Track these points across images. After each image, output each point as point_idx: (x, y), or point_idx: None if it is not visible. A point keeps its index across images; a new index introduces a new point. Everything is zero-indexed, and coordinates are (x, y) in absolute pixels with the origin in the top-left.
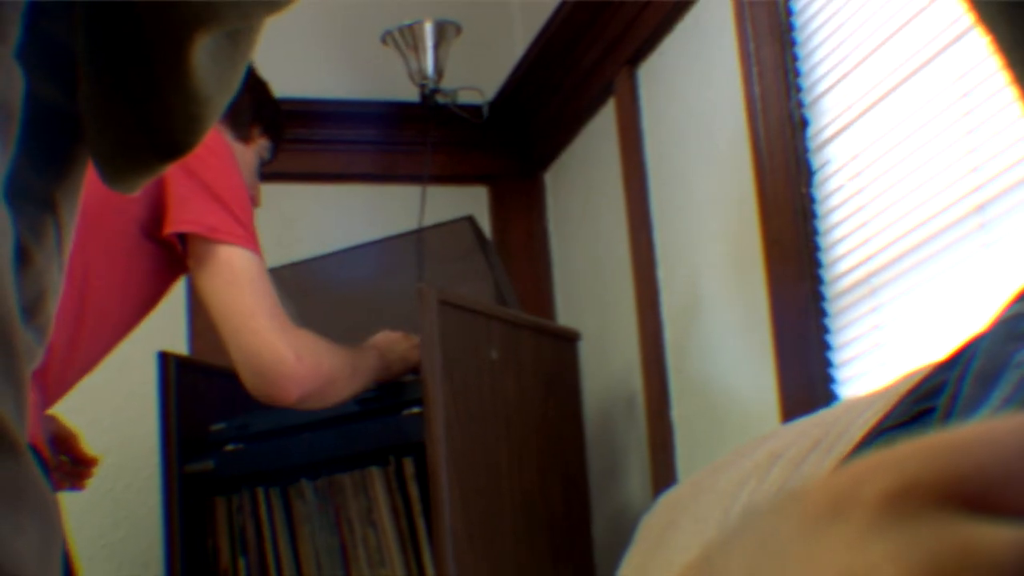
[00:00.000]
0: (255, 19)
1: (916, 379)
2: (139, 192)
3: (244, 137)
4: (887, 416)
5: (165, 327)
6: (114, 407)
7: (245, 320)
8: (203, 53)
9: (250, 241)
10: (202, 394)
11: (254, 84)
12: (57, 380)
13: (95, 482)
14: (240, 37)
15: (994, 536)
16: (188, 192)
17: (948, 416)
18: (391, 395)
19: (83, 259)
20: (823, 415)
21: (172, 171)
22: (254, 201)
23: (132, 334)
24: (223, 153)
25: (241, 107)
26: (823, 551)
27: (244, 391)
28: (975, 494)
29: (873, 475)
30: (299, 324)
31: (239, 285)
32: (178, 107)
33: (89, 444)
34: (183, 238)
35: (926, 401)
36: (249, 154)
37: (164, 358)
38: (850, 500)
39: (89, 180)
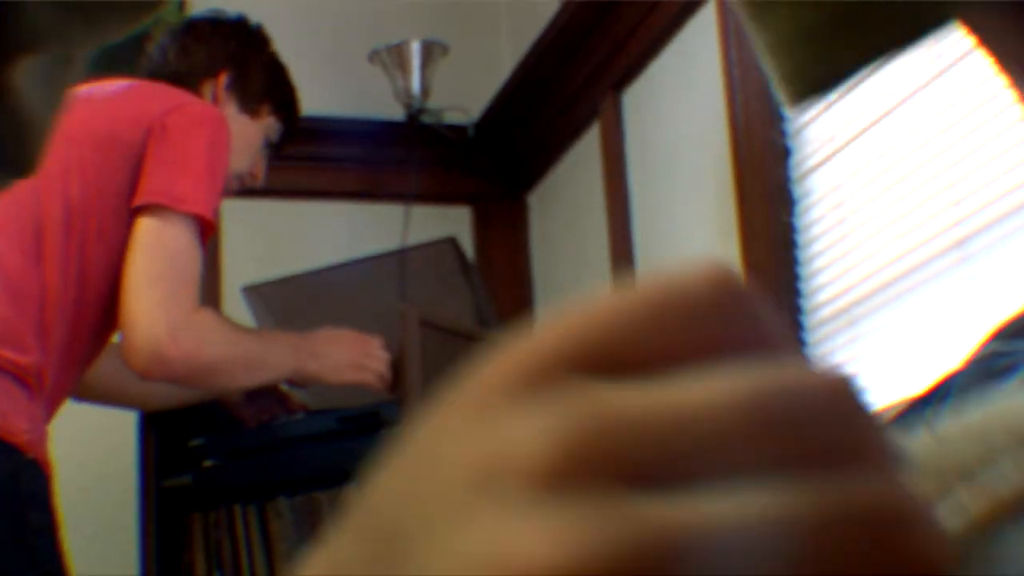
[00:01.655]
0: (79, 47)
1: (892, 414)
2: (129, 177)
3: (252, 111)
4: None
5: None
6: (92, 420)
7: (141, 284)
8: (28, 77)
9: (204, 210)
10: (181, 410)
11: (272, 65)
12: (57, 382)
13: (72, 494)
14: (72, 60)
15: (626, 399)
16: (158, 165)
17: None
18: (371, 414)
19: (81, 255)
20: None
21: (150, 146)
22: (255, 177)
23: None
24: (211, 127)
25: (253, 82)
26: (469, 439)
27: (223, 407)
28: (608, 356)
29: (509, 353)
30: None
31: (158, 250)
32: (8, 134)
33: (67, 457)
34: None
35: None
36: (253, 128)
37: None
38: (492, 382)
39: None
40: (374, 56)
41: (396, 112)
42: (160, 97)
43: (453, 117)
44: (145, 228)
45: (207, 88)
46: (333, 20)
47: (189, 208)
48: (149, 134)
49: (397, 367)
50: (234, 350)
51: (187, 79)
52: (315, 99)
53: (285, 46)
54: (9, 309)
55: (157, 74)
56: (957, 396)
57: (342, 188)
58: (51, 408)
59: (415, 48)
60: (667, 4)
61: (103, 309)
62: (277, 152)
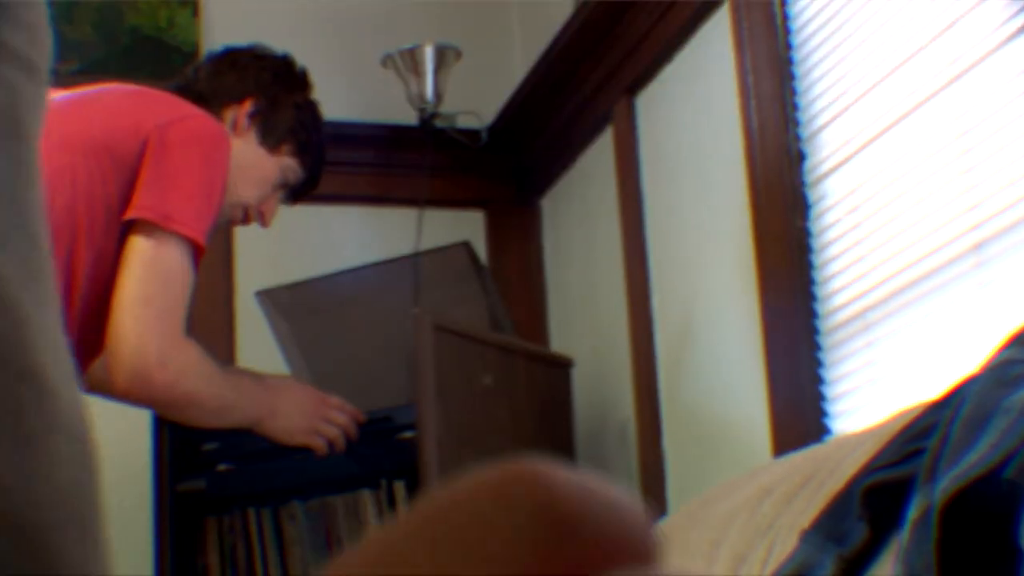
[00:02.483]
0: None
1: (907, 419)
2: (121, 186)
3: (271, 147)
4: (878, 455)
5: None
6: (106, 424)
7: (134, 303)
8: None
9: (195, 232)
10: None
11: (305, 108)
12: None
13: None
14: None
15: None
16: (152, 179)
17: (937, 458)
18: (384, 419)
19: (68, 264)
20: (815, 451)
21: (146, 158)
22: (263, 216)
23: None
24: (209, 143)
25: (280, 118)
26: None
27: None
28: None
29: None
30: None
31: (151, 271)
32: None
33: None
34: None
35: (916, 442)
36: (270, 165)
37: None
38: None
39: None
40: (387, 60)
41: (409, 116)
42: (161, 107)
43: (466, 121)
44: (141, 247)
45: (229, 113)
46: (346, 24)
47: (178, 228)
48: (146, 145)
49: (410, 371)
50: (210, 389)
51: (211, 100)
52: (328, 104)
53: (299, 51)
54: None
55: (182, 91)
56: (972, 402)
57: (355, 192)
58: None
59: (428, 52)
60: (681, 8)
61: (89, 317)
62: (293, 199)
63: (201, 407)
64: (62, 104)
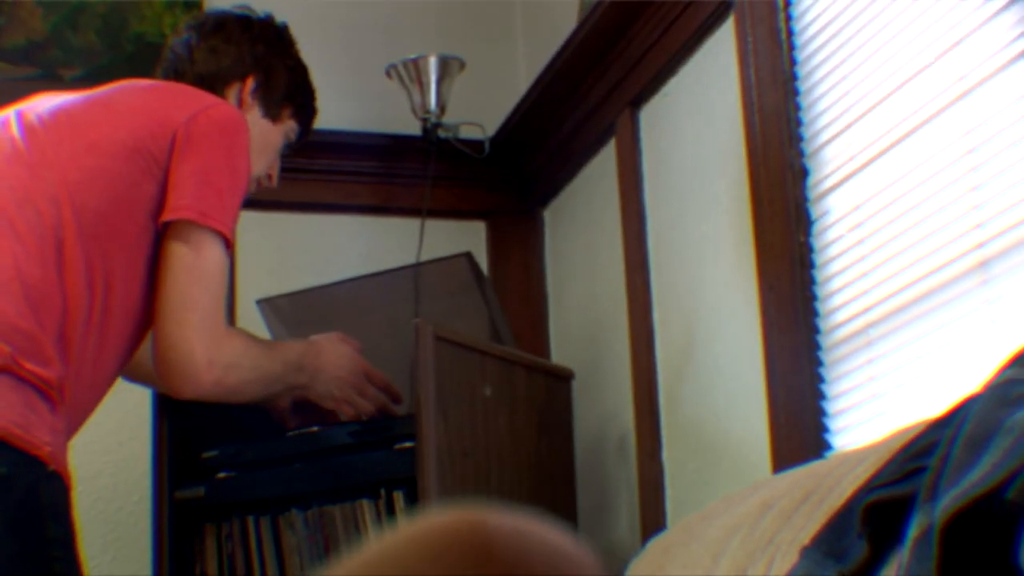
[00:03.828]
0: None
1: (909, 437)
2: (153, 186)
3: (274, 116)
4: (879, 472)
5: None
6: (107, 430)
7: (179, 308)
8: None
9: (227, 227)
10: (195, 420)
11: (296, 67)
12: (80, 395)
13: (86, 504)
14: None
15: None
16: (184, 177)
17: (938, 477)
18: (383, 428)
19: (105, 266)
20: (815, 467)
21: (175, 155)
22: (271, 179)
23: None
24: (232, 131)
25: (276, 86)
26: None
27: (238, 418)
28: None
29: None
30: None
31: (194, 273)
32: None
33: (81, 468)
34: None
35: (917, 460)
36: (275, 134)
37: None
38: None
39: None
40: (391, 70)
41: (412, 126)
42: (182, 102)
43: (469, 132)
44: (180, 251)
45: (232, 91)
46: (350, 34)
47: (215, 224)
48: (173, 144)
49: (410, 381)
50: (256, 373)
51: (214, 82)
52: (332, 113)
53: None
54: (31, 322)
55: (181, 73)
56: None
57: (358, 201)
58: (75, 421)
59: (432, 63)
60: (685, 22)
61: (130, 320)
62: (292, 152)
63: (249, 392)
64: (82, 106)
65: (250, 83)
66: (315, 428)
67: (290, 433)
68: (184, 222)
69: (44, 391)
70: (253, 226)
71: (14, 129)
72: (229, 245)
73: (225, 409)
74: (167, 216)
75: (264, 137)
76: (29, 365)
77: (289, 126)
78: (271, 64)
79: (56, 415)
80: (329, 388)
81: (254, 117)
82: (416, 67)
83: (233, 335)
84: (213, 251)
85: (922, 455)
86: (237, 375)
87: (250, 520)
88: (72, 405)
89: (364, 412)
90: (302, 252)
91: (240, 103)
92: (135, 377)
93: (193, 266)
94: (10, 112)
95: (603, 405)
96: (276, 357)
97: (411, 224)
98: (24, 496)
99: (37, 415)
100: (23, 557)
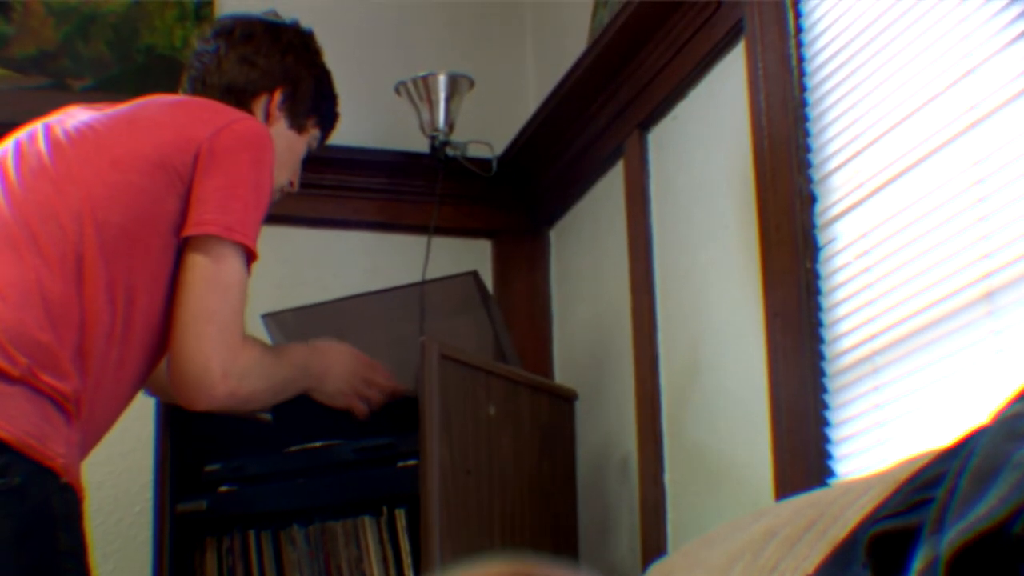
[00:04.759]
0: None
1: (915, 467)
2: (176, 202)
3: (300, 127)
4: (884, 503)
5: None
6: (109, 440)
7: (196, 320)
8: None
9: (250, 240)
10: (198, 433)
11: (320, 75)
12: (98, 408)
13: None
14: None
15: None
16: (209, 192)
17: (944, 509)
18: (387, 446)
19: (127, 280)
20: (819, 495)
21: (199, 170)
22: (292, 187)
23: None
24: (257, 146)
25: (303, 98)
26: None
27: (240, 432)
28: None
29: None
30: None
31: (212, 285)
32: None
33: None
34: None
35: (924, 491)
36: (300, 144)
37: None
38: None
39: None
40: (400, 88)
41: (420, 144)
42: (207, 117)
43: (477, 151)
44: (200, 262)
45: (260, 104)
46: (360, 50)
47: (238, 238)
48: (197, 159)
49: (416, 400)
50: (269, 382)
51: (242, 94)
52: (340, 129)
53: None
54: (50, 335)
55: (209, 84)
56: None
57: (365, 218)
58: (92, 435)
59: (441, 81)
60: (696, 46)
61: (152, 335)
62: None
63: (261, 400)
64: (107, 122)
65: (278, 96)
66: (318, 444)
67: (291, 449)
68: (207, 236)
69: (60, 403)
70: (261, 240)
71: (41, 143)
72: (252, 259)
73: (227, 421)
74: (190, 231)
75: (290, 149)
76: (46, 377)
77: (312, 135)
78: (299, 76)
79: (71, 428)
80: (338, 387)
81: (280, 129)
82: (425, 84)
83: (248, 346)
84: (234, 263)
85: (928, 486)
86: (250, 385)
87: (251, 534)
88: (89, 419)
89: (375, 404)
90: (308, 267)
91: (267, 116)
92: (151, 389)
93: (213, 278)
94: (38, 125)
95: (606, 426)
96: (286, 363)
97: (417, 241)
98: (37, 507)
99: (52, 427)
100: (35, 568)
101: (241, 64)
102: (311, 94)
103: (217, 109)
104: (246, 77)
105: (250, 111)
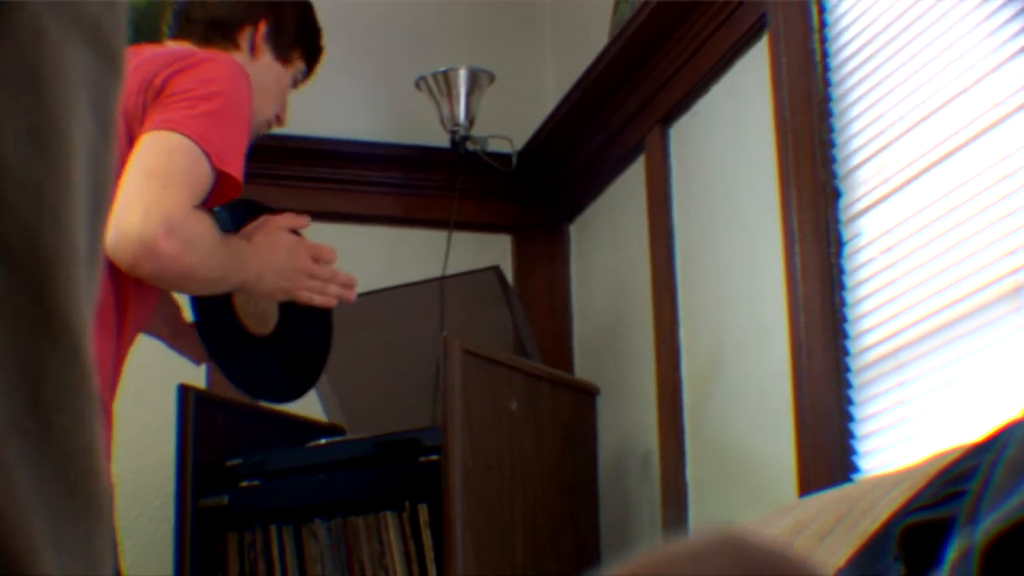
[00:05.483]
0: None
1: (948, 460)
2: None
3: (285, 58)
4: (916, 496)
5: (183, 360)
6: (128, 436)
7: (138, 176)
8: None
9: (206, 141)
10: (219, 429)
11: (303, 5)
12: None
13: None
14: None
15: None
16: (163, 106)
17: (978, 501)
18: (409, 441)
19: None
20: (848, 490)
21: (148, 107)
22: (280, 121)
23: (150, 366)
24: (224, 70)
25: (288, 28)
26: None
27: (261, 427)
28: None
29: None
30: None
31: (153, 148)
32: None
33: None
34: None
35: (957, 484)
36: (285, 76)
37: (184, 391)
38: None
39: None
40: (421, 83)
41: (441, 139)
42: (160, 59)
43: (497, 145)
44: (140, 140)
45: (245, 35)
46: (380, 46)
47: (182, 129)
48: (142, 94)
49: (436, 394)
50: (210, 261)
51: (226, 26)
52: (360, 123)
53: (332, 70)
54: None
55: (193, 18)
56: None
57: (384, 213)
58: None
59: (462, 76)
60: (719, 40)
61: (127, 304)
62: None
63: (197, 281)
64: None
65: (263, 27)
66: (339, 439)
67: (311, 444)
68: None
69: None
70: None
71: None
72: (230, 180)
73: (248, 416)
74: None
75: (276, 81)
76: None
77: (298, 68)
78: (282, 7)
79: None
80: (277, 282)
81: (266, 61)
82: (446, 79)
83: (200, 213)
84: (184, 142)
85: (961, 479)
86: (194, 258)
87: (273, 529)
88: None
89: (314, 302)
90: None
91: (253, 48)
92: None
93: (154, 143)
94: None
95: (627, 422)
96: (230, 250)
97: (437, 236)
98: None
99: None
100: None
101: None
102: (295, 25)
103: (175, 54)
104: (230, 10)
105: (236, 44)
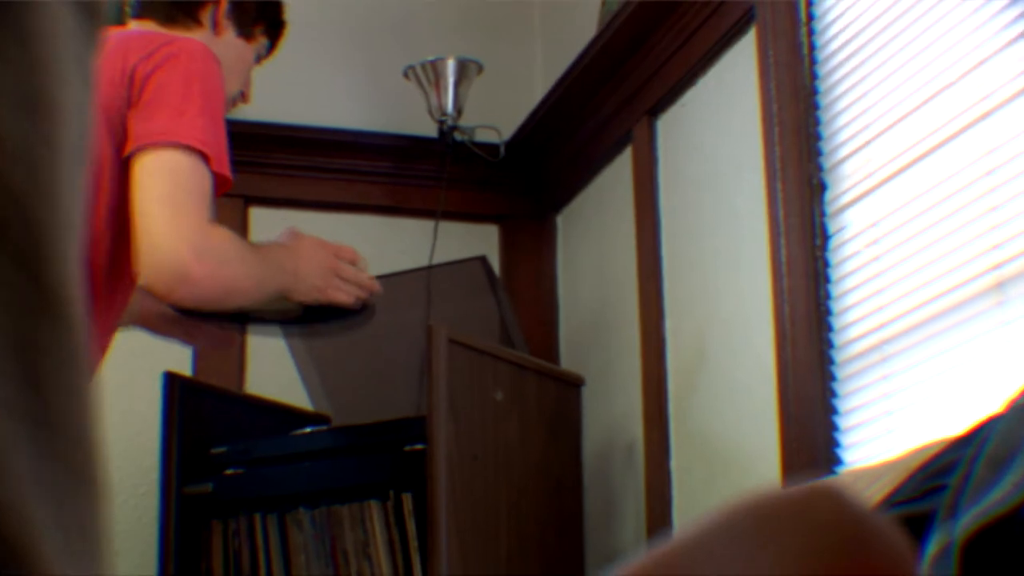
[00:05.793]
0: None
1: (929, 454)
2: (119, 140)
3: (247, 34)
4: (898, 489)
5: (170, 347)
6: (113, 423)
7: (151, 205)
8: None
9: (205, 144)
10: (205, 416)
11: None
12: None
13: None
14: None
15: None
16: (139, 110)
17: (959, 495)
18: (394, 430)
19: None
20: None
21: (133, 98)
22: (245, 98)
23: (136, 353)
24: (200, 61)
25: (248, 4)
26: None
27: (247, 415)
28: None
29: None
30: None
31: (157, 174)
32: None
33: None
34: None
35: (938, 478)
36: (249, 52)
37: (170, 379)
38: None
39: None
40: (409, 72)
41: (428, 128)
42: (135, 45)
43: (485, 135)
44: (141, 162)
45: (207, 13)
46: (369, 35)
47: (182, 139)
48: (124, 86)
49: (421, 384)
50: (246, 268)
51: (188, 4)
52: (348, 112)
53: (321, 59)
54: None
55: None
56: (996, 440)
57: (372, 202)
58: None
59: (450, 66)
60: (707, 33)
61: (116, 276)
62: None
63: (242, 291)
64: None
65: (224, 4)
66: (324, 428)
67: (296, 432)
68: (144, 149)
69: None
70: (266, 224)
71: None
72: (219, 174)
73: (234, 404)
74: (129, 149)
75: (240, 58)
76: None
77: (261, 43)
78: None
79: None
80: (313, 281)
81: (229, 38)
82: (434, 69)
83: (218, 228)
84: (183, 156)
85: (942, 473)
86: (232, 270)
87: (257, 517)
88: None
89: (346, 301)
90: None
91: (215, 25)
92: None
93: (157, 167)
94: None
95: (612, 412)
96: (262, 255)
97: (424, 226)
98: None
99: None
100: None
101: None
102: (254, 1)
103: (147, 38)
104: None
105: (198, 22)
